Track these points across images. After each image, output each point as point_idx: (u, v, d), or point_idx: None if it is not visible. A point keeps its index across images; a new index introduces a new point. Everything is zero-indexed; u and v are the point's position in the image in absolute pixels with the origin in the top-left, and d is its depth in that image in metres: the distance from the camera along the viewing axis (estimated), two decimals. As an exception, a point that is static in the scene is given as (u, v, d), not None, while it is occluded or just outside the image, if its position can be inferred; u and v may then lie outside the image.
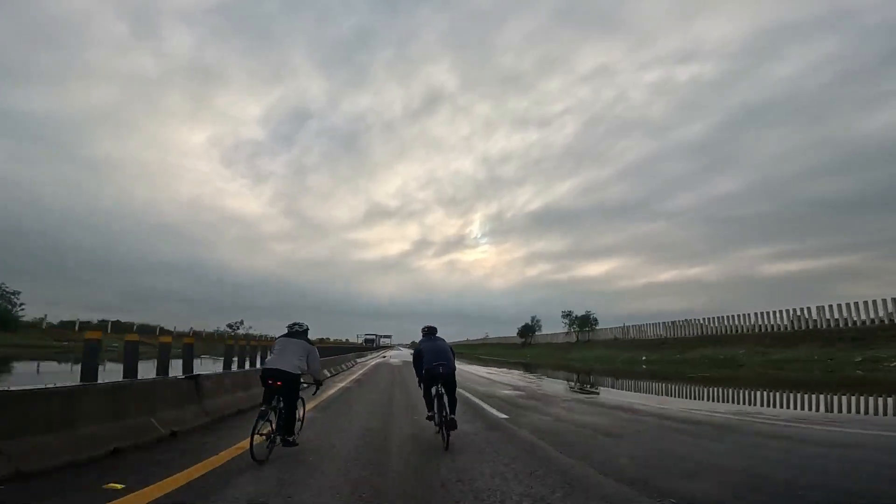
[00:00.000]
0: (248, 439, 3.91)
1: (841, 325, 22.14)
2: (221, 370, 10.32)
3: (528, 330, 55.73)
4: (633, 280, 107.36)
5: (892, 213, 68.17)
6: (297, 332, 4.72)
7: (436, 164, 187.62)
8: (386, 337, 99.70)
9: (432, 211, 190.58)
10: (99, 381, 5.28)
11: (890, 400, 10.50)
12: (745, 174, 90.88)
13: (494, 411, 7.70)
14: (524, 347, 52.93)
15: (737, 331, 27.68)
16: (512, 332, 58.42)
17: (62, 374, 15.44)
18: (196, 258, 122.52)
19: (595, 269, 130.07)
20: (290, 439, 4.38)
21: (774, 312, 25.94)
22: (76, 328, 36.03)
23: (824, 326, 22.84)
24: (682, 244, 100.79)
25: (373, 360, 31.39)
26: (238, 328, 55.78)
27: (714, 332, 29.30)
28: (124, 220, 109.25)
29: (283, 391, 4.30)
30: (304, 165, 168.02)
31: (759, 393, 12.67)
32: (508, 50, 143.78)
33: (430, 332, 5.51)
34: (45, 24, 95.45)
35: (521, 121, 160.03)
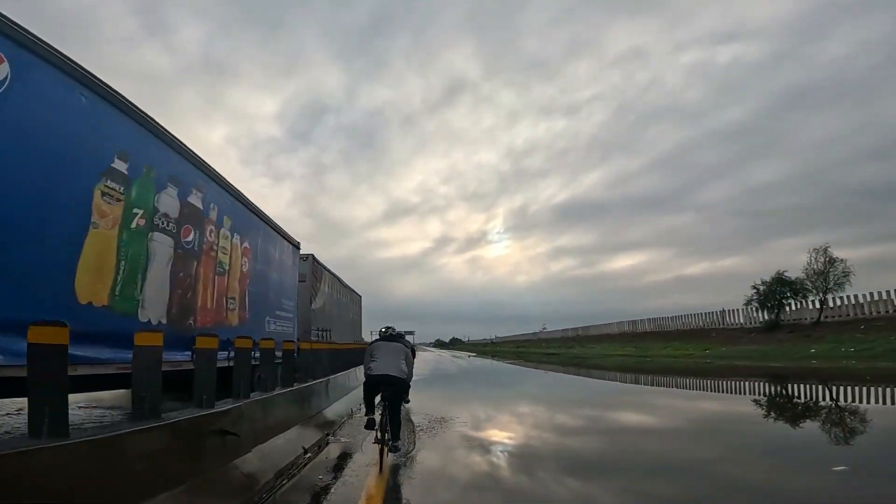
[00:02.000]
0: (378, 452, 4.43)
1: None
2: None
3: (789, 291, 27.90)
4: (662, 274, 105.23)
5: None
6: (392, 335, 5.06)
7: (458, 158, 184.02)
8: (407, 334, 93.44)
9: (454, 206, 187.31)
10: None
11: None
12: (785, 162, 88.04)
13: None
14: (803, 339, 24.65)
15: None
16: (531, 327, 49.38)
17: None
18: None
19: (622, 262, 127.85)
20: (397, 445, 4.66)
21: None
22: None
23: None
24: (713, 236, 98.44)
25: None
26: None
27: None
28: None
29: (390, 397, 4.65)
30: (323, 164, 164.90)
31: None
32: (533, 32, 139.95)
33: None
34: (52, 19, 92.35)
35: (546, 109, 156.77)
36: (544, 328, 74.79)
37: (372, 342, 5.19)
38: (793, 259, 74.98)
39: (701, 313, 36.75)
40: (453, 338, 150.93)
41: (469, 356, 48.25)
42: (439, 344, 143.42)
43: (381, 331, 5.18)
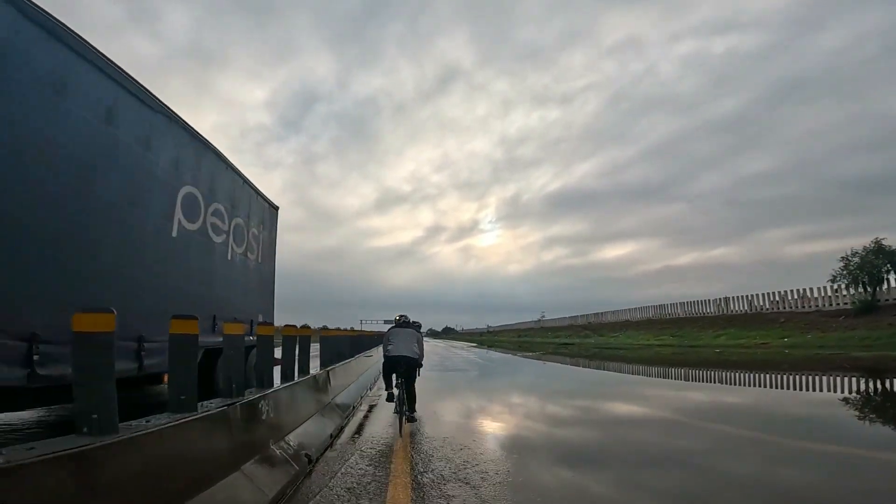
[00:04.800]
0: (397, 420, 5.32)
1: None
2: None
3: (889, 263, 21.81)
4: (652, 264, 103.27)
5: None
6: (405, 322, 5.92)
7: (450, 147, 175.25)
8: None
9: (446, 195, 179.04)
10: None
11: None
12: (776, 153, 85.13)
13: None
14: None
15: None
16: (524, 315, 43.53)
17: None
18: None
19: (613, 252, 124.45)
20: (413, 415, 5.54)
21: None
22: None
23: None
24: (704, 226, 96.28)
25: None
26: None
27: None
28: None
29: (406, 374, 5.49)
30: (314, 153, 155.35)
31: None
32: (528, 20, 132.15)
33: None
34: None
35: (540, 98, 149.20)
36: (543, 316, 69.27)
37: (389, 329, 6.01)
38: (783, 249, 73.85)
39: (755, 295, 30.36)
40: (446, 327, 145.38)
41: (469, 347, 41.60)
42: (432, 333, 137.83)
43: (395, 319, 6.02)
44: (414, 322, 6.23)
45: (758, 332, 25.40)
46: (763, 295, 29.63)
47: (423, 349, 5.76)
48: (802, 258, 70.02)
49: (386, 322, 76.48)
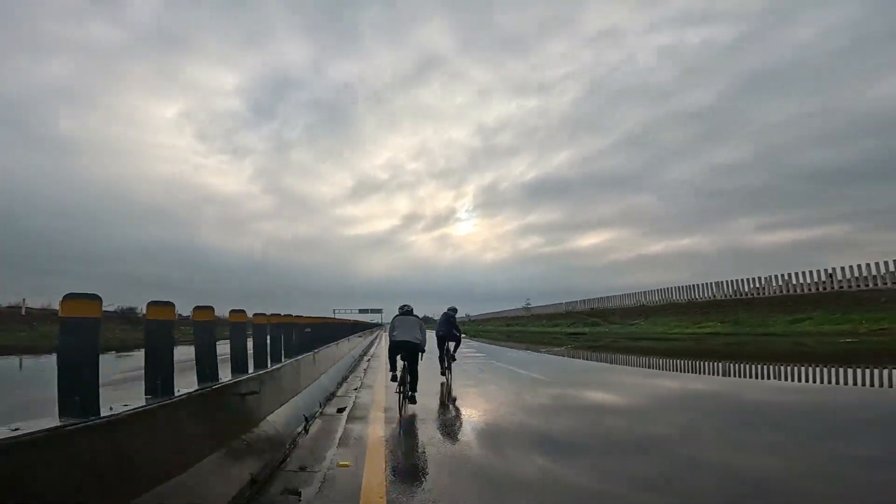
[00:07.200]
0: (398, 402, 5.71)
1: None
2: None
3: None
4: (625, 252, 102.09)
5: (884, 182, 65.79)
6: (408, 311, 6.39)
7: (428, 134, 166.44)
8: (374, 313, 76.41)
9: (423, 183, 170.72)
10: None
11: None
12: (743, 144, 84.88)
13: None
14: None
15: None
16: (502, 304, 36.53)
17: None
18: (176, 241, 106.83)
19: (588, 241, 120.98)
20: (415, 396, 5.96)
21: None
22: None
23: None
24: (674, 215, 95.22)
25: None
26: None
27: None
28: (96, 204, 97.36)
29: (409, 357, 6.02)
30: (287, 140, 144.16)
31: None
32: (508, 8, 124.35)
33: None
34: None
35: (519, 87, 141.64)
36: (529, 303, 62.99)
37: (394, 317, 6.46)
38: (744, 239, 74.09)
39: (834, 269, 23.97)
40: (424, 316, 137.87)
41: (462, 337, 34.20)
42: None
43: (399, 308, 6.51)
44: (451, 307, 8.96)
45: (857, 314, 18.88)
46: (847, 269, 23.09)
47: (425, 334, 6.35)
48: (769, 247, 69.70)
49: (361, 311, 75.39)
